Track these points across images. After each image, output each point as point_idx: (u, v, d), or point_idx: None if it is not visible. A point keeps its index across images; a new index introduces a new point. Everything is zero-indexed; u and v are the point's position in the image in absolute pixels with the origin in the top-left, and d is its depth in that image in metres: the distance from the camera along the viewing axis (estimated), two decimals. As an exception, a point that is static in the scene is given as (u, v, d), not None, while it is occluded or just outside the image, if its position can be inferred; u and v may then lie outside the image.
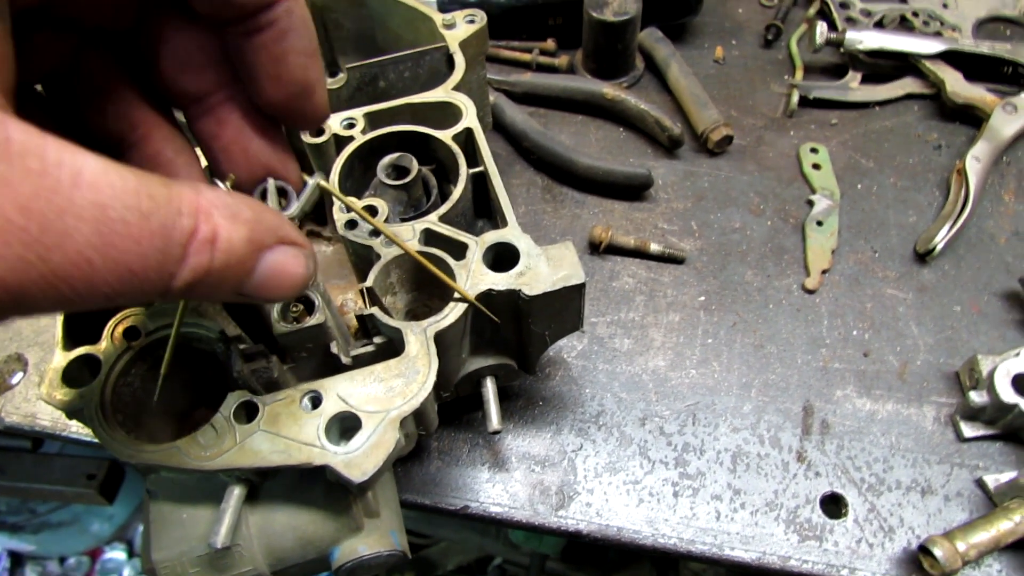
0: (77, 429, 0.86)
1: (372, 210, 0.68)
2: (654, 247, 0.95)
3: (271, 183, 0.54)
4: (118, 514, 2.18)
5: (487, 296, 0.64)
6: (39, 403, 0.88)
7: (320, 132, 0.76)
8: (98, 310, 0.39)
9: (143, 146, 0.53)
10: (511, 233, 0.67)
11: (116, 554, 2.29)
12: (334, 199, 0.71)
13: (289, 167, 0.55)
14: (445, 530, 1.91)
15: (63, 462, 1.87)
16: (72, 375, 0.61)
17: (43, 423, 0.87)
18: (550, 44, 1.18)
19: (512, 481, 0.79)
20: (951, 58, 1.12)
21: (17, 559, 2.27)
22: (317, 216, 0.90)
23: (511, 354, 0.75)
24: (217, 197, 0.39)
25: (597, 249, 0.95)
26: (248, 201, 0.41)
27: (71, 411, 0.60)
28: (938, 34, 1.17)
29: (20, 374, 0.91)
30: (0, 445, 1.89)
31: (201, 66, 0.52)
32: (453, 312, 0.62)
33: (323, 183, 0.54)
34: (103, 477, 1.85)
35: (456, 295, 0.63)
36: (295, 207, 0.53)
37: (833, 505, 0.79)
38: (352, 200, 0.56)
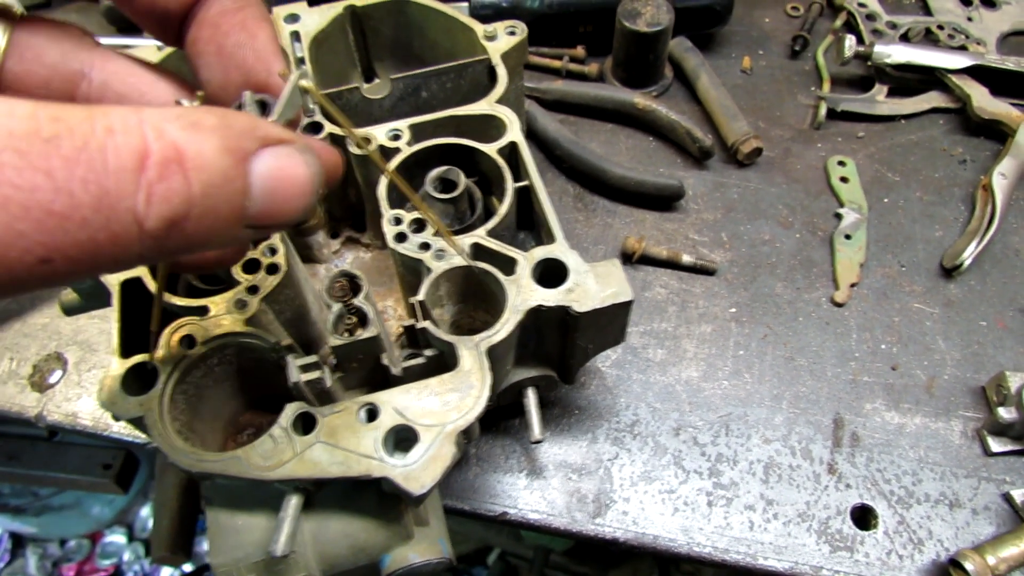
0: (119, 430, 0.87)
1: (422, 224, 0.70)
2: (686, 258, 0.96)
3: (247, 96, 0.44)
4: (119, 498, 2.19)
5: (536, 312, 0.65)
6: (80, 402, 0.89)
7: (366, 142, 0.77)
8: (55, 285, 0.30)
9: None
10: (559, 249, 0.68)
11: (116, 538, 2.31)
12: (381, 209, 0.72)
13: (273, 69, 0.45)
14: (448, 520, 1.92)
15: (79, 451, 1.88)
16: (129, 383, 0.62)
17: (84, 422, 0.88)
18: (580, 51, 1.18)
19: (549, 488, 0.81)
20: (977, 73, 1.13)
21: (18, 541, 2.29)
22: (355, 222, 0.91)
23: (552, 365, 0.77)
24: (166, 110, 0.31)
25: (630, 259, 0.96)
26: (207, 107, 0.34)
27: (130, 419, 0.61)
28: (963, 48, 1.18)
29: (59, 372, 0.92)
30: (16, 433, 1.90)
31: None
32: (505, 327, 0.64)
33: (305, 82, 0.44)
34: (119, 467, 1.86)
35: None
36: (275, 112, 0.43)
37: (863, 517, 0.80)
38: (331, 107, 0.47)
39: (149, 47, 0.79)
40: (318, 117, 0.79)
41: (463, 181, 0.73)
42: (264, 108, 0.44)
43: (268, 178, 0.34)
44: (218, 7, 0.45)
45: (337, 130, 0.78)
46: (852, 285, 0.96)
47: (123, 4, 0.46)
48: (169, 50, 0.82)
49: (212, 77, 0.46)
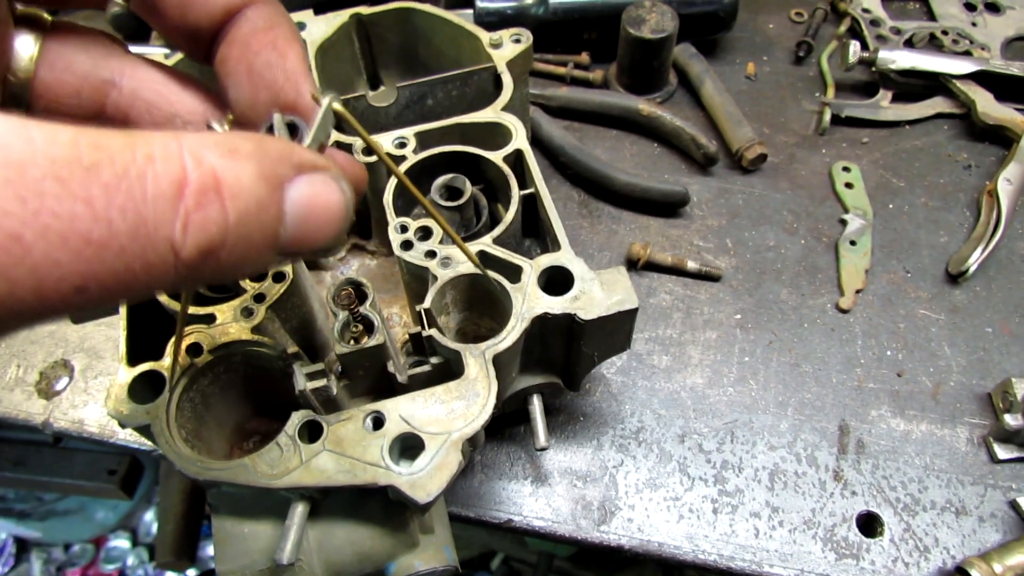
0: (125, 437, 0.87)
1: (428, 232, 0.70)
2: (691, 264, 0.96)
3: (277, 118, 0.44)
4: (123, 503, 2.20)
5: (542, 319, 0.65)
6: (86, 409, 0.90)
7: (369, 152, 0.77)
8: (91, 311, 0.31)
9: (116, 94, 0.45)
10: (565, 257, 0.68)
11: (120, 542, 2.31)
12: (387, 216, 0.72)
13: (302, 90, 0.45)
14: (452, 526, 1.92)
15: (84, 457, 1.89)
16: (135, 391, 0.62)
17: (91, 429, 0.88)
18: (584, 58, 1.19)
19: (555, 496, 0.81)
20: (982, 78, 1.13)
21: (23, 545, 2.30)
22: (361, 230, 0.91)
23: (557, 372, 0.77)
24: (204, 136, 0.31)
25: (635, 266, 0.96)
26: (243, 133, 0.34)
27: (137, 426, 0.62)
28: (967, 53, 1.18)
29: (66, 380, 0.92)
30: (22, 439, 1.91)
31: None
32: (511, 335, 0.64)
33: (338, 106, 0.43)
34: (124, 473, 1.87)
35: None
36: (308, 137, 0.42)
37: (869, 524, 0.80)
38: (364, 132, 0.46)
39: (157, 55, 0.79)
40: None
41: (469, 188, 0.73)
42: (294, 130, 0.44)
43: (302, 205, 0.34)
44: (249, 26, 0.45)
45: (344, 138, 0.78)
46: (857, 291, 0.96)
47: (154, 21, 0.46)
48: (179, 56, 0.82)
49: (241, 96, 0.45)
